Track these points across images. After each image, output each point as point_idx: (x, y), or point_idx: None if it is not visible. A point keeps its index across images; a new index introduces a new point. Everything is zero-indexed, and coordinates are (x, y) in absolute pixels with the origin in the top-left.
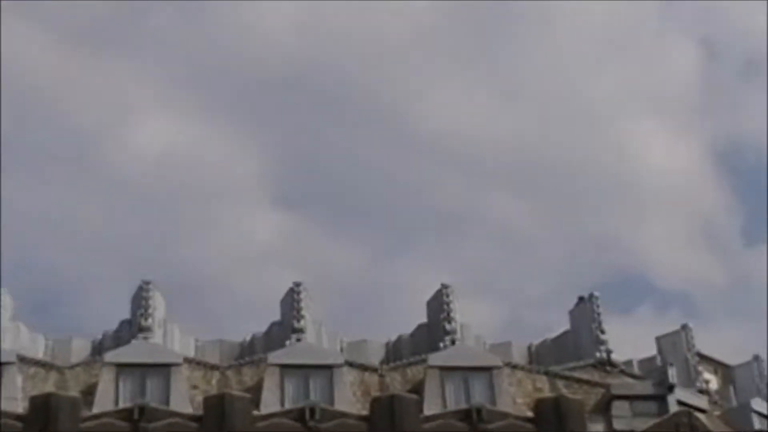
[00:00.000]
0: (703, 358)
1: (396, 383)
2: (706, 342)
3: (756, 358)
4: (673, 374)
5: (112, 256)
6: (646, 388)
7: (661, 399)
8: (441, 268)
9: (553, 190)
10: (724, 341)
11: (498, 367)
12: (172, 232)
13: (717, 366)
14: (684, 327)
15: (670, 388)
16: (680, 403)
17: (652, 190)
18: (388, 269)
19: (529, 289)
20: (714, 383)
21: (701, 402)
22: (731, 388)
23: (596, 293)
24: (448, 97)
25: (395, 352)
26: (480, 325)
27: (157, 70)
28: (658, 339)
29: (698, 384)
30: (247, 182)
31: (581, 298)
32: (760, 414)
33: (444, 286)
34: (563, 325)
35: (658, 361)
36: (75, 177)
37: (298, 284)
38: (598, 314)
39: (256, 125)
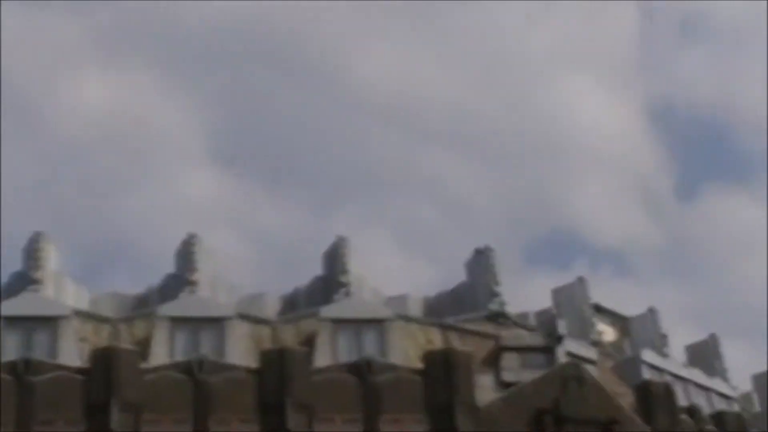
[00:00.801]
0: (601, 311)
1: (289, 336)
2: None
3: (651, 310)
4: (562, 326)
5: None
6: (535, 339)
7: (549, 350)
8: (375, 225)
9: (487, 147)
10: (659, 297)
11: (390, 320)
12: (104, 185)
13: (614, 318)
14: (580, 279)
15: (559, 340)
16: (570, 354)
17: (586, 147)
18: (324, 225)
19: (464, 246)
20: (610, 335)
21: (591, 353)
22: (627, 341)
23: (492, 246)
24: (384, 53)
25: (292, 305)
26: (410, 282)
27: (92, 24)
28: (554, 291)
29: (592, 336)
30: (182, 138)
31: (478, 251)
32: (651, 365)
33: (340, 239)
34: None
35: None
36: (7, 130)
37: (192, 236)
38: (493, 266)
39: (191, 82)
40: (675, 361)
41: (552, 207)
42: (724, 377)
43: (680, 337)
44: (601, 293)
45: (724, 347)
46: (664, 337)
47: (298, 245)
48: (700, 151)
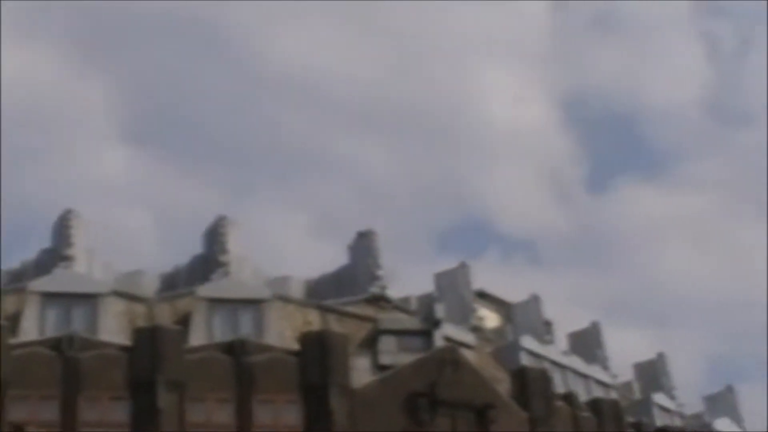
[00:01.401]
0: (485, 297)
1: (164, 314)
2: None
3: (534, 297)
4: (440, 310)
5: None
6: (412, 323)
7: (427, 334)
8: (287, 207)
9: (401, 132)
10: (564, 286)
11: (267, 300)
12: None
13: (498, 304)
14: (462, 265)
15: (436, 324)
16: (447, 339)
17: (499, 136)
18: (237, 206)
19: (378, 230)
20: (494, 321)
21: (469, 338)
22: (510, 326)
23: (374, 229)
24: (298, 36)
25: (171, 284)
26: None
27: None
28: (436, 276)
29: (472, 321)
30: (92, 115)
31: (360, 234)
32: (530, 352)
33: (220, 218)
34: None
35: (436, 299)
36: None
37: (69, 211)
38: (376, 250)
39: (105, 59)
40: (555, 348)
41: (464, 194)
42: (604, 365)
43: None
44: (492, 279)
45: (623, 335)
46: (547, 325)
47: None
48: (611, 143)
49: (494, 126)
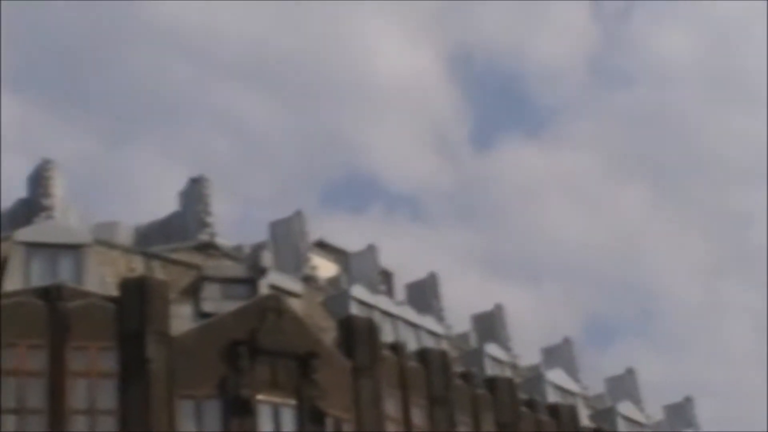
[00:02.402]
0: (324, 246)
1: None
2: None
3: (370, 247)
4: (267, 258)
5: None
6: (237, 270)
7: (251, 282)
8: (168, 157)
9: (286, 85)
10: (450, 242)
11: (88, 245)
12: None
13: (336, 254)
14: (297, 213)
15: (262, 272)
16: (273, 287)
17: (385, 91)
18: (117, 155)
19: (258, 185)
20: (331, 270)
21: (296, 287)
22: (345, 276)
23: (207, 175)
24: None
25: None
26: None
27: None
28: (271, 225)
29: (305, 270)
30: None
31: (193, 180)
32: (360, 301)
33: (45, 161)
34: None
35: (269, 248)
36: None
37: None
38: (207, 197)
39: None
40: (386, 298)
41: (349, 149)
42: (440, 315)
43: (455, 282)
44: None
45: (502, 288)
46: (386, 275)
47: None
48: (495, 100)
49: (380, 80)
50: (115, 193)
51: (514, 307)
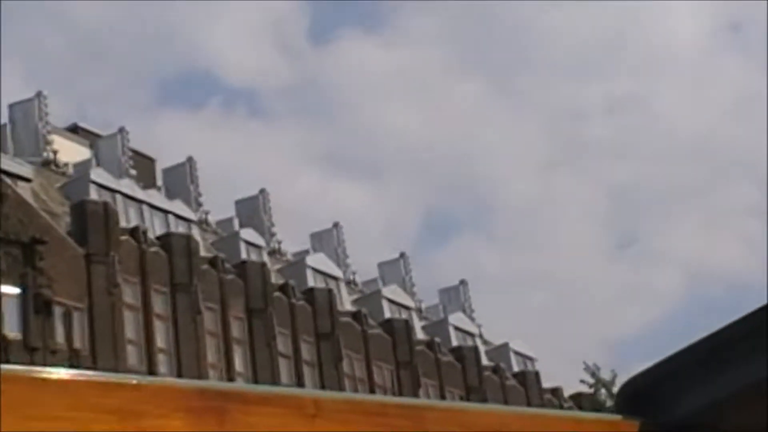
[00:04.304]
0: (76, 130)
1: None
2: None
3: (121, 130)
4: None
5: None
6: None
7: None
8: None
9: None
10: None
11: None
12: None
13: (91, 138)
14: (38, 94)
15: None
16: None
17: None
18: None
19: (92, 82)
20: (85, 155)
21: (25, 170)
22: (95, 160)
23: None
24: None
25: None
26: None
27: None
28: (10, 107)
29: (46, 155)
30: None
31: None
32: (100, 185)
33: None
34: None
35: (7, 131)
36: None
37: None
38: None
39: None
40: (130, 182)
41: (184, 44)
42: (198, 202)
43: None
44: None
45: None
46: (147, 160)
47: None
48: None
49: None
50: None
51: (354, 205)
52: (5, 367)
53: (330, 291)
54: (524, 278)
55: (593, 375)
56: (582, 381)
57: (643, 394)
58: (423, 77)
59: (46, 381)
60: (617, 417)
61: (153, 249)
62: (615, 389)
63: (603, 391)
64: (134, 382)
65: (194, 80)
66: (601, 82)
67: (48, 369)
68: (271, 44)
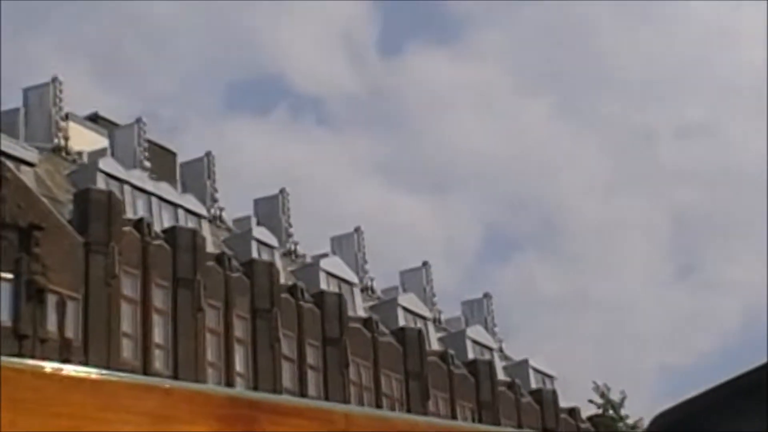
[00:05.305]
0: (96, 119)
1: None
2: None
3: (138, 120)
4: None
5: None
6: None
7: None
8: (72, 53)
9: None
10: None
11: None
12: None
13: (110, 128)
14: (53, 79)
15: None
16: (0, 152)
17: None
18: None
19: (162, 82)
20: (102, 144)
21: (29, 155)
22: (109, 150)
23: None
24: None
25: None
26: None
27: None
28: (24, 90)
29: (57, 140)
30: None
31: None
32: (108, 174)
33: None
34: None
35: (20, 115)
36: None
37: None
38: None
39: None
40: (141, 172)
41: (254, 50)
42: (213, 198)
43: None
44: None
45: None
46: (152, 148)
47: None
48: (404, 5)
49: None
50: None
51: (415, 217)
52: (35, 363)
53: (340, 296)
54: (580, 299)
55: (602, 396)
56: (590, 401)
57: (677, 428)
58: (491, 92)
59: (77, 380)
60: None
61: (157, 242)
62: (623, 411)
63: (611, 412)
64: (167, 386)
65: (263, 85)
66: (672, 106)
67: (80, 368)
68: (342, 53)
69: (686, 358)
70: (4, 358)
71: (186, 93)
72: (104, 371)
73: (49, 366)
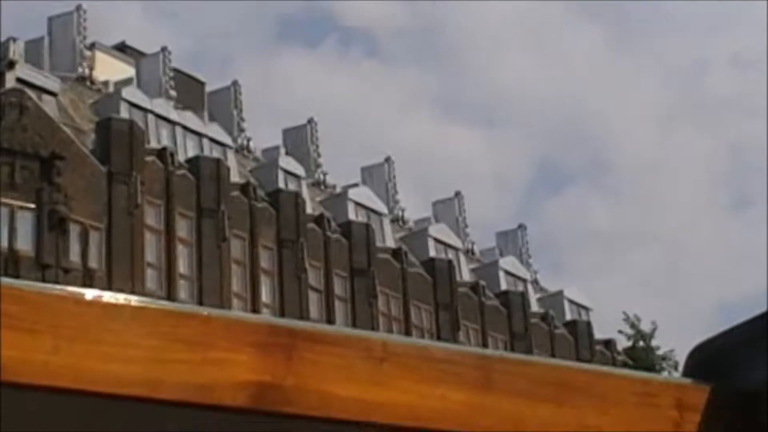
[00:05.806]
0: (124, 49)
1: None
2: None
3: (163, 49)
4: (18, 51)
5: None
6: None
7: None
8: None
9: None
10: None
11: None
12: None
13: (136, 57)
14: (78, 8)
15: (11, 65)
16: (21, 81)
17: None
18: None
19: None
20: (127, 72)
21: (50, 83)
22: (136, 80)
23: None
24: None
25: None
26: None
27: None
28: (49, 19)
29: (81, 70)
30: None
31: None
32: (131, 103)
33: None
34: None
35: (45, 44)
36: None
37: None
38: None
39: None
40: (165, 102)
41: None
42: (241, 128)
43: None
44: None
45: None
46: (178, 76)
47: None
48: None
49: None
50: None
51: (464, 150)
52: (76, 290)
53: (368, 226)
54: (632, 235)
55: (633, 326)
56: (620, 332)
57: (716, 359)
58: (543, 25)
59: (118, 307)
60: (687, 381)
61: (180, 172)
62: (654, 342)
63: (641, 343)
64: (205, 313)
65: (313, 18)
66: (727, 35)
67: (120, 295)
68: None
69: (743, 295)
70: (47, 285)
71: (237, 27)
72: (144, 299)
73: (90, 293)
